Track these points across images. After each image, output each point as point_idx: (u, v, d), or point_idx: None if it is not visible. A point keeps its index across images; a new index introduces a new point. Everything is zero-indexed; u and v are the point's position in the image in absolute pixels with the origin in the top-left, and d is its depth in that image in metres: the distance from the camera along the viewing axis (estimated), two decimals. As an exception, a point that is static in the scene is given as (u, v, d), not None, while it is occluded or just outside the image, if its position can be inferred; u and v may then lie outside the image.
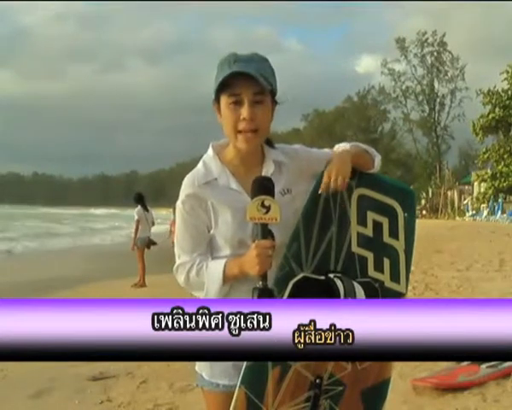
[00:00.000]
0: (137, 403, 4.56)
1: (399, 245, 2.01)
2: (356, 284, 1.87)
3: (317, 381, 1.86)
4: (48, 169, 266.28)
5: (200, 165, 1.97)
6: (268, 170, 1.93)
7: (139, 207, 12.41)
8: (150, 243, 12.40)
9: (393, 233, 2.00)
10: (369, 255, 1.97)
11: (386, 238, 2.00)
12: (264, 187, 1.81)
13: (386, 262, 1.98)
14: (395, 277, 1.99)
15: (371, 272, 1.96)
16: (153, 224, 12.65)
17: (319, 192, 1.92)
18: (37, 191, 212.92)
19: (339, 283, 1.84)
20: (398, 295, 1.98)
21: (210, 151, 1.98)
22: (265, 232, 1.79)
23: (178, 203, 1.95)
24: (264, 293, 1.75)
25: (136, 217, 12.34)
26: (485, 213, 39.67)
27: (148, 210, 12.61)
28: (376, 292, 1.93)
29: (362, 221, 1.98)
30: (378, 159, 2.06)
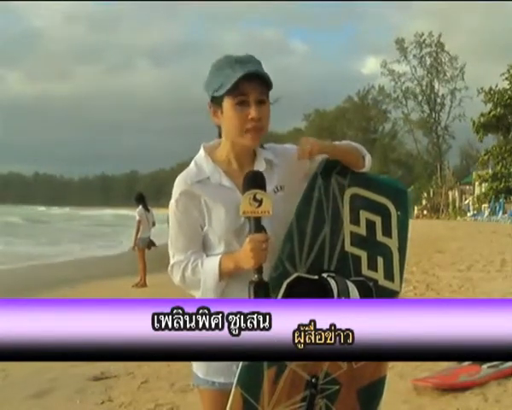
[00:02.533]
0: (138, 403, 4.56)
1: (393, 243, 2.01)
2: (350, 284, 1.87)
3: (313, 380, 1.86)
4: (49, 169, 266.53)
5: (191, 164, 1.98)
6: (260, 168, 1.94)
7: (140, 207, 12.39)
8: (151, 243, 12.38)
9: (386, 232, 2.01)
10: (363, 254, 1.97)
11: (380, 237, 2.00)
12: (255, 181, 1.83)
13: (380, 261, 1.98)
14: (389, 275, 1.99)
15: (365, 270, 1.96)
16: (153, 224, 12.60)
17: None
18: (38, 191, 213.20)
19: (332, 282, 1.84)
20: (392, 294, 1.99)
21: (201, 152, 2.00)
22: (259, 226, 1.80)
23: (171, 202, 1.97)
24: (260, 286, 1.77)
25: (137, 217, 12.31)
26: (487, 213, 39.67)
27: (148, 210, 12.59)
28: (370, 291, 1.93)
29: (355, 220, 1.98)
30: (368, 158, 2.07)
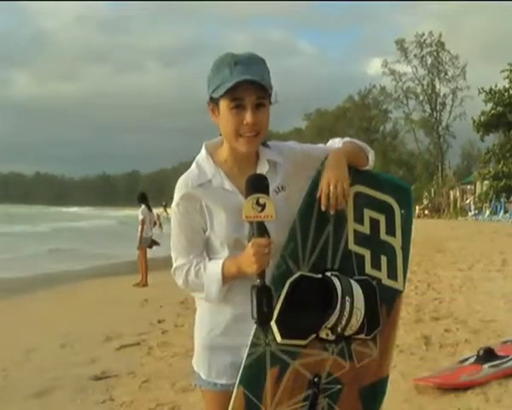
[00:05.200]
0: (139, 402, 4.55)
1: (396, 242, 2.00)
2: (353, 282, 1.86)
3: (316, 380, 1.86)
4: (50, 169, 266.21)
5: (193, 166, 1.96)
6: (262, 170, 1.92)
7: (143, 206, 12.30)
8: (153, 243, 12.31)
9: (390, 230, 2.00)
10: (366, 253, 1.96)
11: (383, 236, 1.99)
12: (258, 185, 1.81)
13: (384, 260, 1.98)
14: (392, 274, 1.98)
15: (368, 269, 1.95)
16: (154, 224, 12.49)
17: (317, 196, 1.91)
18: (39, 191, 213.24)
19: (336, 281, 1.83)
20: (395, 293, 1.98)
21: (203, 151, 1.98)
22: (261, 230, 1.78)
23: (173, 206, 1.95)
24: (262, 291, 1.75)
25: (141, 216, 12.20)
26: (488, 212, 39.62)
27: (151, 210, 12.52)
28: (374, 290, 1.93)
29: (358, 219, 1.97)
30: (372, 154, 2.06)
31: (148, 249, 12.34)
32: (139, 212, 12.38)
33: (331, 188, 1.87)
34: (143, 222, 12.15)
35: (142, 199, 12.49)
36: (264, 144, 1.97)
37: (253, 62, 1.84)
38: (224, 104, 1.84)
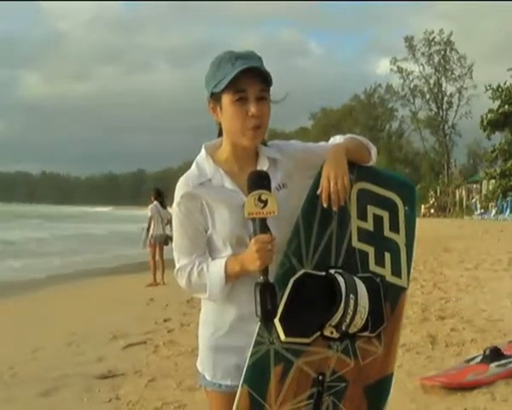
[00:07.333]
0: (146, 401, 4.56)
1: (400, 239, 2.00)
2: (357, 280, 1.86)
3: (320, 378, 1.85)
4: (55, 168, 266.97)
5: (193, 166, 1.96)
6: (263, 167, 1.92)
7: (154, 203, 12.03)
8: (168, 238, 11.77)
9: (394, 227, 1.99)
10: (370, 250, 1.95)
11: (387, 232, 1.99)
12: (259, 181, 1.81)
13: (387, 257, 1.97)
14: (396, 271, 1.98)
15: (372, 266, 1.95)
16: (167, 222, 12.23)
17: (318, 192, 1.90)
18: (45, 190, 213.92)
19: (340, 279, 1.83)
20: (399, 290, 1.98)
21: (203, 152, 1.98)
22: (264, 227, 1.79)
23: (174, 206, 1.95)
24: (266, 287, 1.75)
25: (149, 214, 12.02)
26: (494, 211, 39.50)
27: (165, 207, 12.10)
28: (378, 287, 1.92)
29: (362, 216, 1.97)
30: (374, 151, 2.06)
31: (164, 247, 11.95)
32: (148, 209, 12.14)
33: (331, 184, 1.87)
34: (150, 219, 11.94)
35: (157, 195, 12.17)
36: (263, 143, 1.97)
37: (253, 57, 1.87)
38: (226, 98, 1.85)
